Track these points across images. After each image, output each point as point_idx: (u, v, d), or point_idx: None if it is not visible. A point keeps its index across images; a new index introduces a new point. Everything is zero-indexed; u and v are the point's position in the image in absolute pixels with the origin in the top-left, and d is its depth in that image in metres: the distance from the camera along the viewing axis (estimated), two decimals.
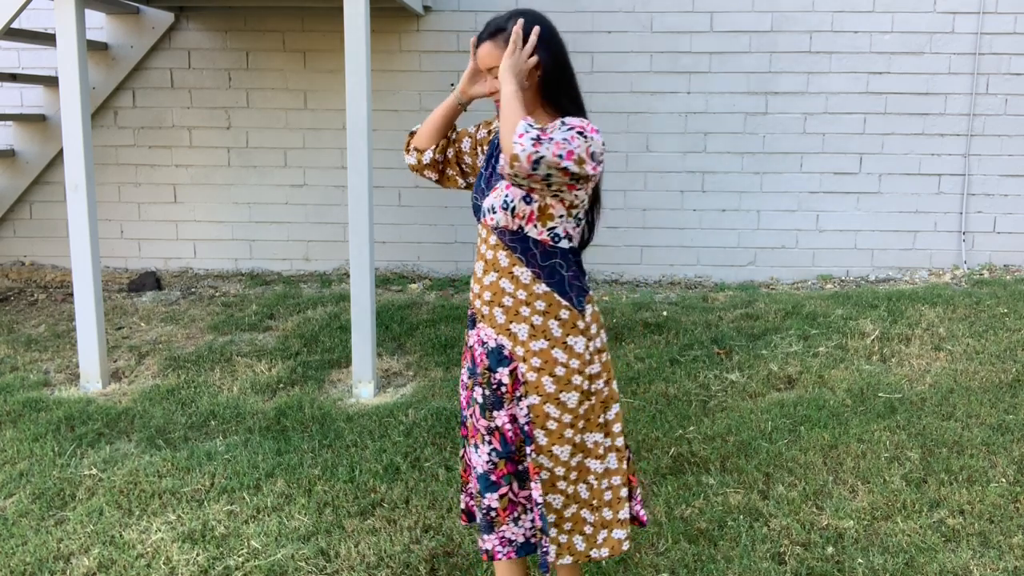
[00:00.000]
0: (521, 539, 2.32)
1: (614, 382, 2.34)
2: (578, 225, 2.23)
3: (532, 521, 2.31)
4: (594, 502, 2.30)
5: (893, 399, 4.14)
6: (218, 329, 5.31)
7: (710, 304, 5.77)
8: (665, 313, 5.51)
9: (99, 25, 6.27)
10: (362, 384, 4.38)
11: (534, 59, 2.15)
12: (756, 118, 6.33)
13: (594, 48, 6.28)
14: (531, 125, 1.98)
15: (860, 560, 2.90)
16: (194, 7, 6.28)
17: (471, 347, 2.33)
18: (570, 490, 2.27)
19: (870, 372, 4.46)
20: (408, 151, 2.49)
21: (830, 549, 2.97)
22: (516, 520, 2.31)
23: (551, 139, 1.98)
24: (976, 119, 6.28)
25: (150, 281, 6.27)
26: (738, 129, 6.35)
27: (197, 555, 2.96)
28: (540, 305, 2.19)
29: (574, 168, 1.99)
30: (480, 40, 2.23)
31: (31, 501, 3.33)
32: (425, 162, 2.46)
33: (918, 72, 6.23)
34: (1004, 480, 3.38)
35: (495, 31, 2.20)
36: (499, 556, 2.31)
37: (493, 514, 2.28)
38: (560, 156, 1.96)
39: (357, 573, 2.87)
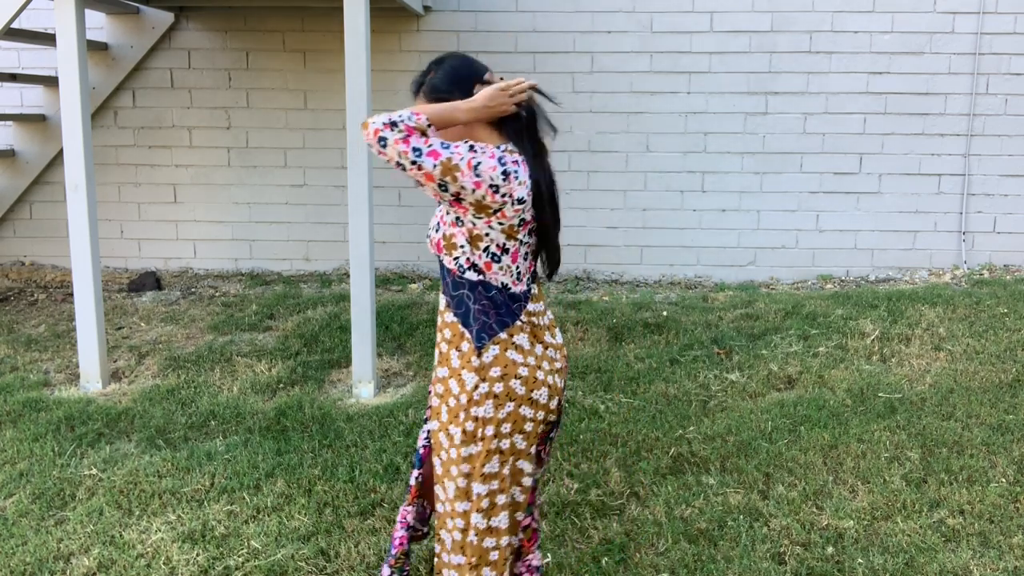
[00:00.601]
0: (403, 531, 2.46)
1: (521, 439, 2.16)
2: (494, 261, 2.10)
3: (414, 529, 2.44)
4: (474, 560, 2.17)
5: (893, 399, 4.14)
6: (218, 329, 5.31)
7: (710, 304, 5.76)
8: (665, 313, 5.51)
9: (99, 25, 6.27)
10: (362, 384, 4.38)
11: (510, 107, 2.12)
12: (756, 118, 6.33)
13: (594, 48, 6.28)
14: (411, 114, 2.00)
15: (860, 560, 2.90)
16: (194, 7, 6.28)
17: None
18: (456, 536, 2.19)
19: (870, 372, 4.46)
20: None
21: (830, 549, 2.97)
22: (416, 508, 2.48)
23: (421, 138, 1.99)
24: (976, 119, 6.27)
25: (150, 281, 6.27)
26: (738, 129, 6.35)
27: (197, 555, 2.96)
28: (447, 333, 2.18)
29: (432, 167, 1.97)
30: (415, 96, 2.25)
31: (31, 501, 3.33)
32: None
33: (918, 72, 6.23)
34: (1004, 480, 3.38)
35: (416, 89, 2.21)
36: (395, 532, 2.48)
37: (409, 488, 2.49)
38: (417, 149, 1.97)
39: (357, 573, 2.87)
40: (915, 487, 3.34)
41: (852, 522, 3.12)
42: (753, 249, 6.49)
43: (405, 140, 1.97)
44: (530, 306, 2.18)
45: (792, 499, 3.27)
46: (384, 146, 1.98)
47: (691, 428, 3.89)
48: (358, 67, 4.23)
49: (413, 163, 1.97)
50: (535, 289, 2.22)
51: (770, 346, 4.86)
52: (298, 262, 6.65)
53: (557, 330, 2.29)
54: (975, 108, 6.26)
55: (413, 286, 6.28)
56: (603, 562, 2.91)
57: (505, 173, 2.01)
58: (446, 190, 2.00)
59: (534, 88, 2.16)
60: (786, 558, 2.93)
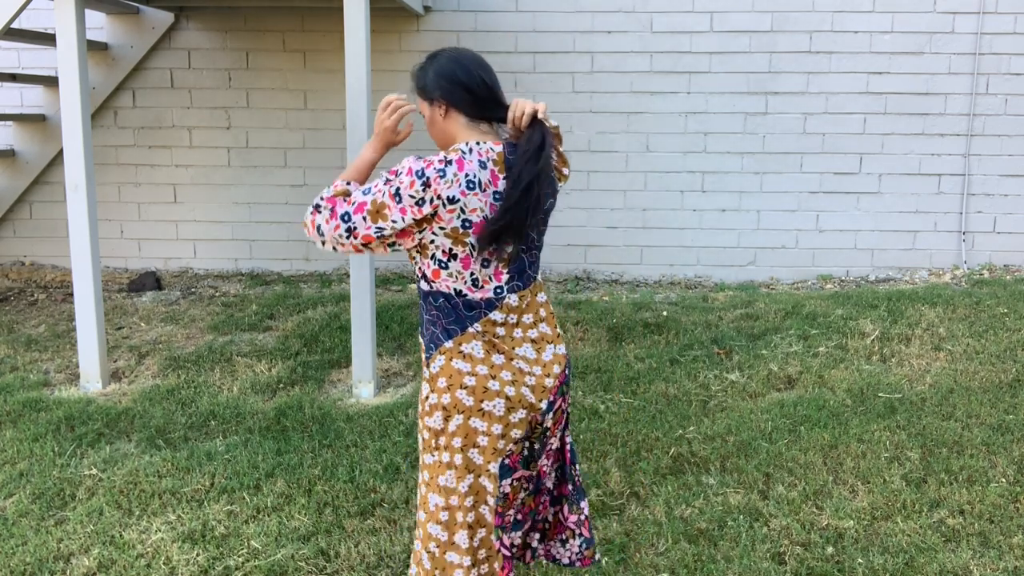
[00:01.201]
0: None
1: (477, 453, 2.06)
2: (442, 268, 2.04)
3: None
4: (436, 573, 2.09)
5: (893, 399, 4.14)
6: (218, 329, 5.31)
7: (710, 304, 5.76)
8: (665, 313, 5.51)
9: (99, 25, 6.27)
10: (362, 384, 4.38)
11: (391, 121, 2.15)
12: (756, 118, 6.33)
13: (594, 48, 6.28)
14: (328, 188, 2.06)
15: (860, 560, 2.90)
16: (194, 7, 6.28)
17: None
18: (416, 546, 2.14)
19: (870, 372, 4.46)
20: None
21: (830, 549, 2.97)
22: None
23: (345, 201, 2.02)
24: (976, 119, 6.28)
25: (150, 281, 6.27)
26: (738, 129, 6.35)
27: (197, 555, 2.96)
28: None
29: (364, 222, 1.98)
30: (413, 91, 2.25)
31: (31, 501, 3.33)
32: None
33: (918, 72, 6.23)
34: (1004, 480, 3.38)
35: (416, 84, 2.17)
36: None
37: None
38: (346, 215, 2.00)
39: (357, 573, 2.87)
40: (915, 487, 3.35)
41: (852, 522, 3.12)
42: (753, 249, 6.49)
43: (332, 215, 2.02)
44: (496, 315, 2.06)
45: (792, 499, 3.27)
46: (324, 235, 2.03)
47: (691, 428, 3.89)
48: (358, 67, 4.23)
49: (348, 231, 2.00)
50: (512, 299, 2.09)
51: (770, 346, 4.86)
52: (298, 262, 6.65)
53: (550, 346, 2.14)
54: (975, 108, 6.26)
55: (413, 286, 6.28)
56: (603, 562, 2.91)
57: (425, 182, 1.95)
58: (384, 234, 2.00)
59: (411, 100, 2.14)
60: (786, 558, 2.93)
